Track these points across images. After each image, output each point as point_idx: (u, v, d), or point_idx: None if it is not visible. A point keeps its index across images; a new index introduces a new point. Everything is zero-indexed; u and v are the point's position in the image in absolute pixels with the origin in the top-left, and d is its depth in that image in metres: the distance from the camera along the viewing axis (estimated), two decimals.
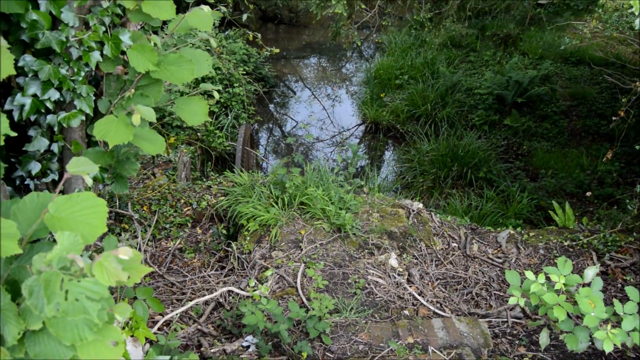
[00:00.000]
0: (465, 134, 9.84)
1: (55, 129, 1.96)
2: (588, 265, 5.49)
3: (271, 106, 12.33)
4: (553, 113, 10.49)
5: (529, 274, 2.47)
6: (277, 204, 5.16)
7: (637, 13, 2.22)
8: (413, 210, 5.88)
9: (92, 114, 1.94)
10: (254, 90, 10.56)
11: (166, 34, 2.04)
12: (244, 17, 6.33)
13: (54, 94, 1.85)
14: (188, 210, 5.62)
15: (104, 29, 1.80)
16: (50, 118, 1.93)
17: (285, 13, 16.35)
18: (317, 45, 15.91)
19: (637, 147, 5.34)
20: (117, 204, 5.16)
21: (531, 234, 5.92)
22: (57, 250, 1.02)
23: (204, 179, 6.21)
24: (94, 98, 1.92)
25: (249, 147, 8.42)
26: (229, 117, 9.21)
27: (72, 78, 1.86)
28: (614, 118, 5.60)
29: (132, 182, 6.44)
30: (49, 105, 1.87)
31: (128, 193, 5.66)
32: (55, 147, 2.05)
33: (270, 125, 11.66)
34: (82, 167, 1.20)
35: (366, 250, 4.96)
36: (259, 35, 6.74)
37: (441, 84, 10.92)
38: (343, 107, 12.40)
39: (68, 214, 1.18)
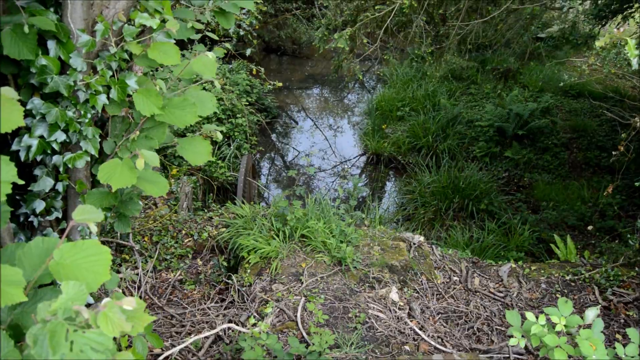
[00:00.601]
0: (466, 166, 9.89)
1: (61, 169, 2.00)
2: (590, 300, 5.47)
3: (274, 136, 12.43)
4: (554, 145, 10.56)
5: (530, 315, 2.47)
6: (278, 236, 5.17)
7: (631, 56, 2.27)
8: (414, 244, 5.88)
9: (97, 155, 1.97)
10: (257, 121, 10.65)
11: (171, 74, 2.09)
12: (248, 51, 6.42)
13: (61, 136, 1.89)
14: (189, 241, 5.63)
15: (110, 73, 1.85)
16: (56, 159, 1.97)
17: (288, 45, 16.59)
18: (320, 77, 16.10)
19: (637, 183, 5.36)
20: (119, 234, 5.17)
21: (533, 268, 5.91)
22: (62, 300, 1.04)
23: (206, 210, 6.23)
24: (99, 139, 1.96)
25: (250, 177, 8.47)
26: (232, 147, 9.27)
27: (78, 120, 1.90)
28: (614, 152, 5.64)
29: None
30: (55, 146, 1.91)
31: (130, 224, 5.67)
32: (60, 186, 2.08)
33: (273, 155, 11.73)
34: (88, 215, 1.22)
35: (367, 284, 4.94)
36: (262, 69, 6.83)
37: (442, 116, 11.02)
38: (345, 137, 12.50)
39: (72, 261, 1.20)
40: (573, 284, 5.63)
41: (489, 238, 8.02)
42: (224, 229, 5.57)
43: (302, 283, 4.78)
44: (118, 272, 5.04)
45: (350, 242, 5.28)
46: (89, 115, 1.90)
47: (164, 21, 1.78)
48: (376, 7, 6.67)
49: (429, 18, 7.30)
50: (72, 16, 1.82)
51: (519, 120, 10.61)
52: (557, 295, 5.50)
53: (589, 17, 8.74)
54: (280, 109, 14.00)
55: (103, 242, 5.07)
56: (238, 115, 9.59)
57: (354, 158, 11.49)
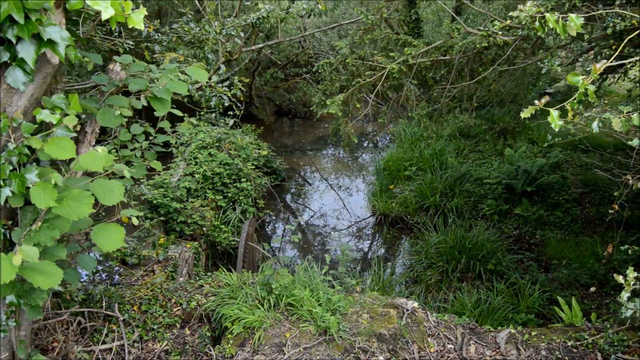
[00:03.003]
0: (474, 224, 9.74)
1: None
2: None
3: (287, 198, 12.51)
4: (565, 201, 10.35)
5: None
6: (262, 305, 5.11)
7: (555, 127, 2.25)
8: (407, 310, 5.73)
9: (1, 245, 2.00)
10: (264, 184, 10.75)
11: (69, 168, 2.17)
12: (231, 122, 6.56)
13: None
14: (178, 310, 5.60)
15: (11, 167, 1.91)
16: None
17: (299, 108, 16.97)
18: (340, 139, 16.32)
19: None
20: (104, 304, 5.18)
21: (533, 333, 5.67)
22: None
23: (197, 278, 6.21)
24: (3, 230, 2.00)
25: (254, 242, 8.47)
26: (236, 211, 9.34)
27: None
28: (610, 211, 5.50)
29: (131, 280, 6.49)
30: None
31: (120, 293, 5.70)
32: None
33: (284, 217, 11.76)
34: None
35: (352, 355, 4.80)
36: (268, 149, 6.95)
37: (449, 175, 10.97)
38: (354, 198, 12.50)
39: None
40: (575, 350, 5.37)
41: (497, 300, 7.77)
42: (213, 298, 5.54)
43: (285, 354, 4.67)
44: (105, 342, 5.02)
45: (337, 310, 5.18)
46: None
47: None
48: (367, 73, 6.80)
49: (423, 81, 7.40)
50: None
51: (527, 177, 10.48)
52: None
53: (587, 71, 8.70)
54: (293, 170, 14.16)
55: (90, 312, 5.09)
56: (243, 180, 9.71)
57: (363, 219, 11.44)
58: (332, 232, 11.07)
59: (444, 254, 8.97)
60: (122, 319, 5.14)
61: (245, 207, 9.49)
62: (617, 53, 2.45)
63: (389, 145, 15.96)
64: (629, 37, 2.86)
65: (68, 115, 1.86)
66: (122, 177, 3.40)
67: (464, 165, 11.28)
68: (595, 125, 3.21)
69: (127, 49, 4.68)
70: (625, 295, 3.26)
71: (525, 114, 2.25)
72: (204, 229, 8.44)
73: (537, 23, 2.48)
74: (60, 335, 4.71)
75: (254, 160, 10.86)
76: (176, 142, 9.93)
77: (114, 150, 3.38)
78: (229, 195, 9.52)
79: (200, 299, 5.65)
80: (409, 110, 8.01)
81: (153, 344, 5.25)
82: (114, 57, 2.59)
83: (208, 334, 5.26)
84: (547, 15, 2.35)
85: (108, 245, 1.93)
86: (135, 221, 2.21)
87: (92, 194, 1.83)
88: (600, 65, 2.17)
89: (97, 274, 8.09)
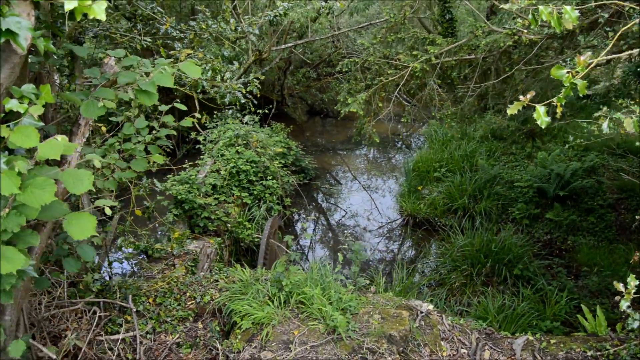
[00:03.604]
0: (502, 228, 9.51)
1: None
2: None
3: (315, 197, 12.52)
4: (599, 206, 9.99)
5: None
6: (273, 302, 5.12)
7: (541, 124, 2.17)
8: (421, 312, 5.64)
9: None
10: (291, 182, 10.77)
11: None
12: (245, 117, 6.56)
13: None
14: (192, 304, 5.67)
15: None
16: None
17: (331, 107, 16.95)
18: (364, 138, 16.24)
19: None
20: (118, 295, 5.29)
21: (552, 342, 5.49)
22: None
23: (213, 273, 6.27)
24: None
25: (277, 240, 8.49)
26: (261, 209, 9.39)
27: None
28: (637, 217, 5.27)
29: (152, 272, 6.61)
30: None
31: (137, 285, 5.81)
32: None
33: (308, 215, 11.77)
34: None
35: (359, 355, 4.75)
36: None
37: (479, 177, 10.75)
38: (383, 199, 12.40)
39: None
40: None
41: (521, 306, 7.57)
42: (226, 293, 5.58)
43: (291, 352, 4.66)
44: (118, 332, 5.13)
45: (347, 309, 5.14)
46: None
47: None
48: (389, 72, 6.73)
49: (447, 81, 7.27)
50: None
51: (560, 181, 10.16)
52: None
53: (628, 74, 8.42)
54: (324, 170, 14.16)
55: (105, 303, 5.21)
56: (269, 177, 9.76)
57: (391, 221, 11.33)
58: (358, 233, 11.01)
59: (469, 257, 8.80)
60: (135, 310, 5.24)
61: (270, 205, 9.53)
62: (609, 47, 2.33)
63: (422, 146, 15.77)
64: (620, 31, 2.72)
65: (36, 104, 1.90)
66: (128, 168, 3.47)
67: (495, 168, 11.03)
68: (605, 125, 3.08)
69: (144, 45, 4.77)
70: (624, 304, 3.11)
71: (511, 110, 2.17)
72: (228, 225, 8.52)
73: (530, 16, 2.39)
74: (74, 324, 4.83)
75: (282, 159, 10.90)
76: (205, 139, 10.07)
77: (117, 143, 3.44)
78: (255, 192, 9.58)
79: (215, 294, 5.70)
80: (433, 111, 7.89)
81: (165, 336, 5.33)
82: (108, 51, 2.65)
83: (218, 328, 5.30)
84: (541, 7, 2.25)
85: (79, 233, 1.97)
86: (108, 211, 2.24)
87: (54, 183, 1.87)
88: (585, 58, 2.07)
89: (122, 266, 8.30)
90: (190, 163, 8.64)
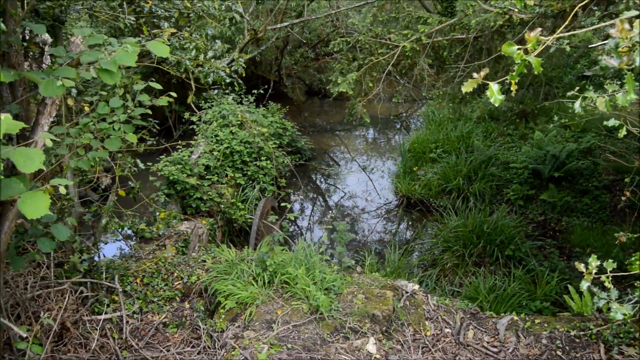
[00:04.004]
0: (496, 209, 9.51)
1: None
2: (594, 359, 5.02)
3: (311, 177, 12.52)
4: (594, 188, 9.95)
5: None
6: (257, 282, 5.15)
7: (495, 102, 2.14)
8: (406, 292, 5.67)
9: None
10: (287, 163, 10.76)
11: None
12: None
13: None
14: (179, 284, 5.71)
15: None
16: None
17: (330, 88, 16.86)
18: (355, 118, 16.17)
19: None
20: (104, 275, 5.32)
21: (536, 321, 5.52)
22: None
23: (201, 253, 6.30)
24: None
25: (272, 220, 8.52)
26: (255, 189, 9.40)
27: None
28: (622, 198, 5.27)
29: (144, 253, 6.65)
30: None
31: (125, 265, 5.85)
32: None
33: (303, 196, 11.79)
34: None
35: (341, 334, 4.79)
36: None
37: (475, 158, 10.71)
38: (379, 179, 12.40)
39: None
40: (578, 340, 5.19)
41: (512, 286, 7.59)
42: (212, 273, 5.62)
43: (273, 330, 4.71)
44: (105, 312, 5.19)
45: (331, 289, 5.17)
46: None
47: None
48: (379, 51, 6.67)
49: (440, 60, 7.20)
50: None
51: (555, 162, 10.12)
52: (558, 352, 5.10)
53: None
54: (321, 151, 14.14)
55: (93, 283, 5.25)
56: (263, 158, 9.75)
57: (385, 202, 11.34)
58: (355, 213, 11.03)
59: (461, 237, 8.81)
60: (121, 290, 5.28)
61: (264, 186, 9.53)
62: (567, 22, 2.29)
63: (420, 127, 15.70)
64: (580, 5, 2.67)
65: None
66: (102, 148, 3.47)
67: (490, 149, 10.99)
68: (577, 105, 3.06)
69: (128, 24, 4.73)
70: (585, 284, 3.12)
71: (465, 88, 2.14)
72: (221, 206, 8.54)
73: None
74: (60, 304, 4.88)
75: (277, 139, 10.88)
76: (200, 119, 10.04)
77: (92, 123, 3.44)
78: (249, 173, 9.58)
79: (202, 274, 5.74)
80: (423, 90, 7.84)
81: (152, 316, 5.38)
82: (74, 29, 2.63)
83: (202, 308, 5.35)
84: None
85: (33, 212, 1.98)
86: (62, 190, 2.24)
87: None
88: (535, 34, 2.04)
89: (120, 247, 8.36)
90: (182, 143, 8.62)
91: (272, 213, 8.85)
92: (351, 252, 9.39)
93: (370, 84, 6.90)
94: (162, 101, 3.55)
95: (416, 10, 7.90)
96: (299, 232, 10.63)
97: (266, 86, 12.29)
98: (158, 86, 3.49)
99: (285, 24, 10.97)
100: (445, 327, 5.42)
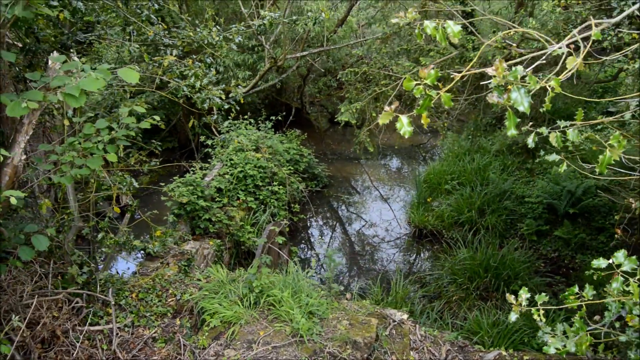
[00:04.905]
0: (507, 243, 9.41)
1: None
2: None
3: (325, 204, 12.63)
4: (611, 225, 9.73)
5: None
6: (243, 302, 5.27)
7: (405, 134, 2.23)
8: (394, 321, 5.69)
9: None
10: (301, 189, 10.92)
11: None
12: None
13: None
14: (172, 300, 5.88)
15: None
16: None
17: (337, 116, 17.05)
18: (384, 148, 16.26)
19: None
20: (98, 288, 5.53)
21: (525, 358, 5.45)
22: None
23: (197, 272, 6.47)
24: None
25: (277, 245, 8.65)
26: (266, 214, 9.57)
27: None
28: (616, 236, 5.21)
29: (148, 269, 6.87)
30: None
31: (123, 280, 6.07)
32: None
33: (314, 223, 11.89)
34: None
35: (320, 358, 4.84)
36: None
37: (489, 191, 10.65)
38: (395, 209, 12.41)
39: None
40: None
41: (515, 322, 7.47)
42: (202, 291, 5.76)
43: (253, 350, 4.80)
44: (98, 324, 5.39)
45: (315, 313, 5.24)
46: None
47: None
48: (382, 82, 6.82)
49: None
50: None
51: (570, 198, 9.97)
52: None
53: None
54: (341, 178, 14.27)
55: (89, 296, 5.47)
56: (275, 183, 9.94)
57: (399, 231, 11.34)
58: (366, 241, 11.06)
59: (469, 270, 8.75)
60: (114, 303, 5.48)
61: (275, 210, 9.70)
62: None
63: (440, 157, 15.69)
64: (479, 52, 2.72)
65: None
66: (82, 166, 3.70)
67: (507, 182, 10.90)
68: (530, 140, 3.12)
69: (131, 52, 5.03)
70: (513, 316, 3.14)
71: (381, 120, 2.25)
72: (230, 228, 8.73)
73: (416, 30, 2.47)
74: (55, 313, 5.10)
75: (293, 165, 11.07)
76: (212, 144, 10.35)
77: (77, 143, 3.68)
78: (261, 197, 9.77)
79: (194, 292, 5.90)
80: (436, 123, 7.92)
81: (143, 330, 5.55)
82: (50, 56, 2.88)
83: (189, 324, 5.48)
84: (426, 22, 2.34)
85: None
86: (13, 201, 2.44)
87: None
88: (428, 71, 2.14)
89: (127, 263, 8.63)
90: (190, 163, 8.91)
91: (281, 237, 9.00)
92: (361, 280, 9.42)
93: (374, 114, 7.04)
94: (145, 124, 3.77)
95: (427, 44, 8.04)
96: (309, 256, 10.71)
97: (284, 113, 12.57)
98: (142, 109, 3.71)
99: (305, 53, 11.27)
100: (431, 358, 5.40)
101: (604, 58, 2.96)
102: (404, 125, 2.17)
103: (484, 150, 12.30)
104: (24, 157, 2.98)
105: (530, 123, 3.54)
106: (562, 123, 3.05)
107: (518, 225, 10.30)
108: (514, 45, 6.03)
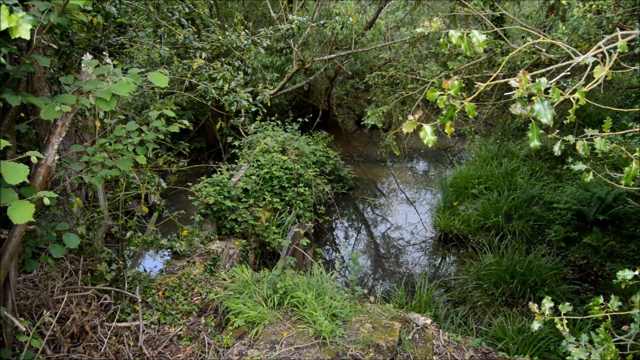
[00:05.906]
0: (533, 249, 9.29)
1: None
2: None
3: (351, 206, 12.65)
4: None
5: None
6: (267, 303, 5.32)
7: (428, 143, 2.23)
8: (417, 325, 5.67)
9: None
10: (327, 191, 10.95)
11: None
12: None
13: None
14: (197, 299, 5.98)
15: None
16: None
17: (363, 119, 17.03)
18: (411, 151, 16.21)
19: None
20: (126, 285, 5.65)
21: None
22: None
23: (222, 272, 6.55)
24: None
25: (303, 246, 8.71)
26: (291, 215, 9.64)
27: None
28: None
29: (174, 268, 7.00)
30: None
31: (150, 278, 6.19)
32: None
33: (341, 224, 11.91)
34: None
35: None
36: None
37: (517, 196, 10.52)
38: (421, 212, 12.36)
39: None
40: None
41: (544, 330, 7.37)
42: (227, 291, 5.84)
43: (276, 351, 4.85)
44: (125, 320, 5.52)
45: (338, 316, 5.27)
46: None
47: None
48: (409, 86, 6.81)
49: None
50: None
51: (600, 204, 9.78)
52: None
53: None
54: (367, 180, 14.27)
55: (117, 292, 5.60)
56: (301, 185, 10.00)
57: (424, 235, 11.29)
58: (392, 244, 11.03)
59: (495, 276, 8.66)
60: (141, 300, 5.60)
61: (300, 212, 9.76)
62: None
63: (467, 161, 15.56)
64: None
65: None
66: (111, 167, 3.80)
67: (535, 188, 10.75)
68: (556, 148, 3.09)
69: (161, 54, 5.14)
70: (536, 325, 3.10)
71: (406, 128, 2.26)
72: (256, 228, 8.82)
73: (441, 40, 2.47)
74: (84, 309, 5.24)
75: (319, 167, 11.12)
76: (239, 145, 10.46)
77: (108, 144, 3.78)
78: (286, 198, 9.84)
79: (220, 291, 5.98)
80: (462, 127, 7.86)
81: (169, 328, 5.65)
82: (83, 59, 2.97)
83: (213, 324, 5.56)
84: (451, 32, 2.34)
85: (18, 218, 2.27)
86: (46, 201, 2.52)
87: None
88: (451, 82, 2.14)
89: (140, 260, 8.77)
90: (217, 164, 9.02)
91: (306, 239, 9.06)
92: (386, 283, 9.42)
93: (401, 118, 7.03)
94: (174, 128, 3.85)
95: (454, 47, 7.94)
96: (334, 258, 10.74)
97: (311, 115, 12.62)
98: (171, 113, 3.79)
99: (333, 55, 11.31)
100: None
101: (632, 68, 2.90)
102: (428, 134, 2.18)
103: (512, 155, 12.15)
104: (56, 157, 3.08)
105: (557, 130, 3.49)
106: (589, 131, 3.01)
107: (546, 231, 10.14)
108: (543, 50, 5.95)
